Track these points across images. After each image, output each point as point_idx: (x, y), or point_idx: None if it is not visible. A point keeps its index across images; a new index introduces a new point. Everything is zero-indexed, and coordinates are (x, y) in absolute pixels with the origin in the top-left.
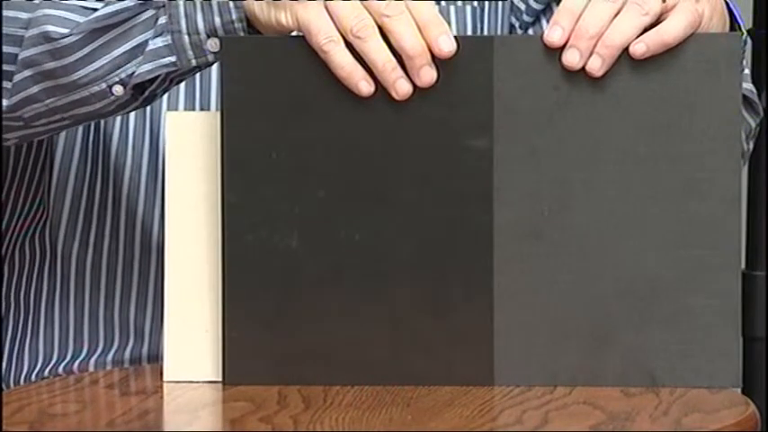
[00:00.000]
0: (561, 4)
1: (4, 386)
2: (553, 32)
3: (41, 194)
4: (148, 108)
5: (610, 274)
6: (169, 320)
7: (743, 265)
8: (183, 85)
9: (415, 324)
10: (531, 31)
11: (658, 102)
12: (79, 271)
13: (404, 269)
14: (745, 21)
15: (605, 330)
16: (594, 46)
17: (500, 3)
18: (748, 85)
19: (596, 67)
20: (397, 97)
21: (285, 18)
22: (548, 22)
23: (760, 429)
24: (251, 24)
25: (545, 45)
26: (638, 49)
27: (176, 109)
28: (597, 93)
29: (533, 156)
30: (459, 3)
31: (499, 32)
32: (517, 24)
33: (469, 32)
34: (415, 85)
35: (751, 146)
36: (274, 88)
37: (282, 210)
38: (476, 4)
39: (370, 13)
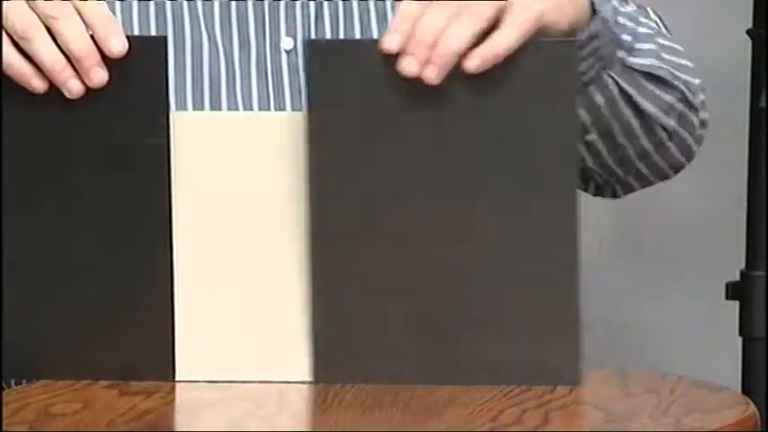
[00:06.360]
0: (399, 10)
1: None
2: (392, 39)
3: None
4: None
5: (443, 274)
6: (174, 321)
7: (743, 265)
8: (189, 84)
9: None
10: None
11: (494, 106)
12: None
13: (88, 266)
14: (745, 21)
15: (444, 330)
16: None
17: None
18: (655, 62)
19: (432, 76)
20: (70, 96)
21: None
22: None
23: (760, 429)
24: None
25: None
26: (472, 65)
27: (184, 108)
28: (432, 96)
29: (356, 162)
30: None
31: None
32: None
33: None
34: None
35: (674, 122)
36: None
37: None
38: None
39: (37, 14)
